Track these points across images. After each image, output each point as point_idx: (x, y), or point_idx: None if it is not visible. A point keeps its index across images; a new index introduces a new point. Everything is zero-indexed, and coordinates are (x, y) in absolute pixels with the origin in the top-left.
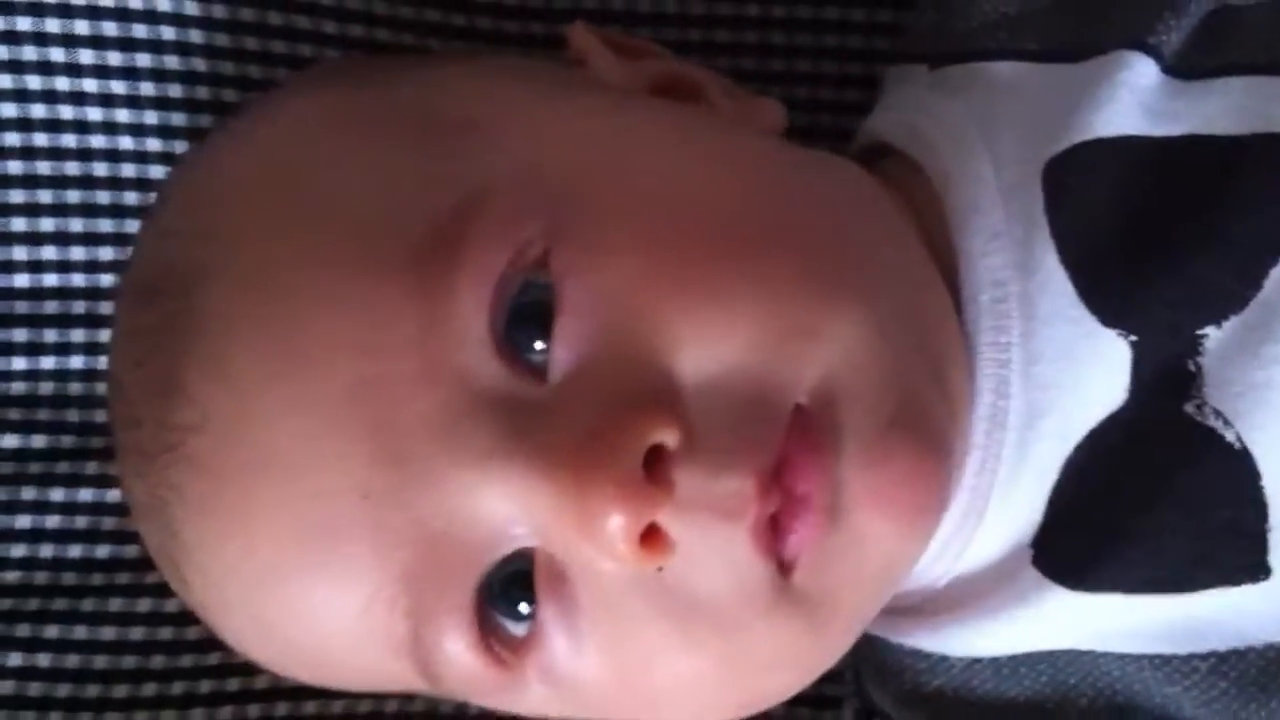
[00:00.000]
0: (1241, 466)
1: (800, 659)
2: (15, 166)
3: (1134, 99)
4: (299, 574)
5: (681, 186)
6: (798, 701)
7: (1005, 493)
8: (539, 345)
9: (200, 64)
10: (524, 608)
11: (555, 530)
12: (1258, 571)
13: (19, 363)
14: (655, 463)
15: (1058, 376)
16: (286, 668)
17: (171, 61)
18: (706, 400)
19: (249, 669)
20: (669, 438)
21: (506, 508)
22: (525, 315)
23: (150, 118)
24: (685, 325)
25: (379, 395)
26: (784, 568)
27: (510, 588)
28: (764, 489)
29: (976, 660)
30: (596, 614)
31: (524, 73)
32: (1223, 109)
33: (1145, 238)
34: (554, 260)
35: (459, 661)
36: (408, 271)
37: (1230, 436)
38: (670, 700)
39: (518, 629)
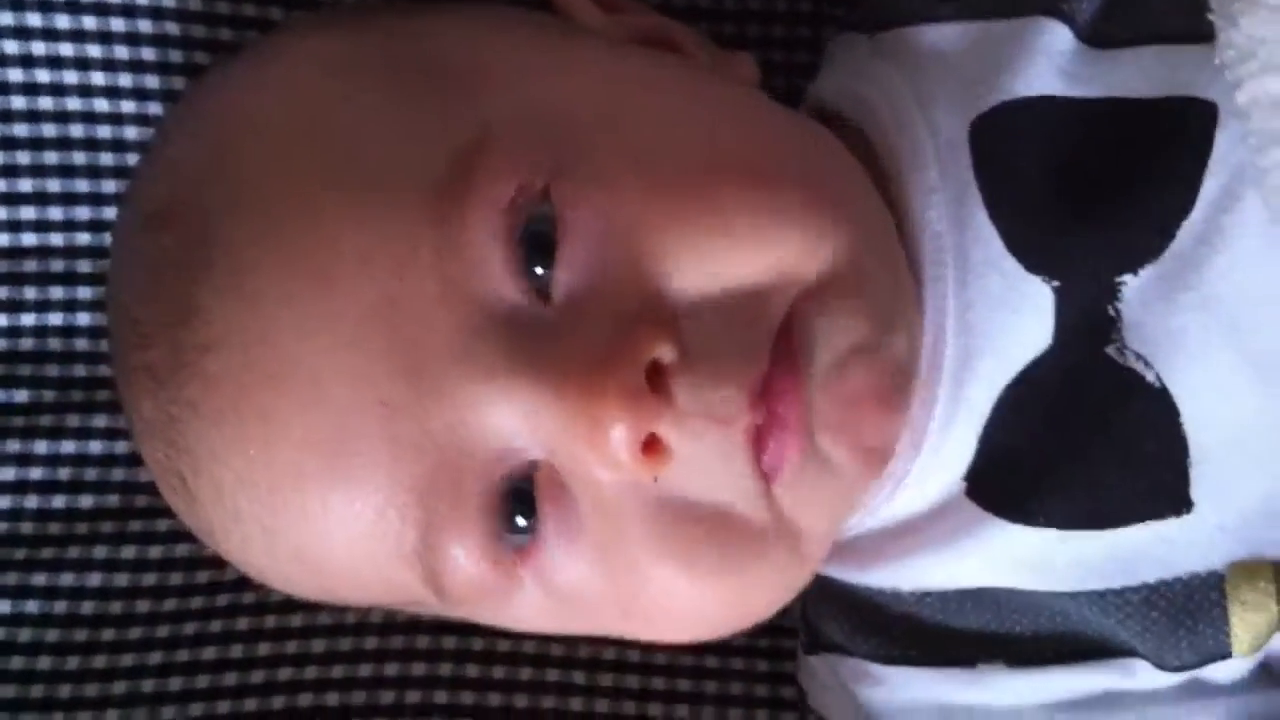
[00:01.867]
0: (1161, 405)
1: (780, 573)
2: None
3: (1050, 63)
4: (315, 482)
5: (675, 122)
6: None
7: (941, 430)
8: (541, 270)
9: (173, 28)
10: (522, 521)
11: (561, 441)
12: (1181, 505)
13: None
14: (654, 376)
15: (989, 321)
16: (290, 579)
17: (145, 25)
18: (699, 317)
19: (232, 613)
20: (666, 353)
21: (515, 421)
22: (530, 242)
23: (125, 80)
24: (680, 246)
25: (399, 314)
26: (765, 483)
27: (512, 502)
28: (754, 399)
29: (926, 594)
30: (594, 522)
31: (515, 20)
32: (1136, 74)
33: (1066, 190)
34: (554, 190)
35: (463, 568)
36: (424, 204)
37: (1150, 377)
38: (659, 609)
39: (518, 539)
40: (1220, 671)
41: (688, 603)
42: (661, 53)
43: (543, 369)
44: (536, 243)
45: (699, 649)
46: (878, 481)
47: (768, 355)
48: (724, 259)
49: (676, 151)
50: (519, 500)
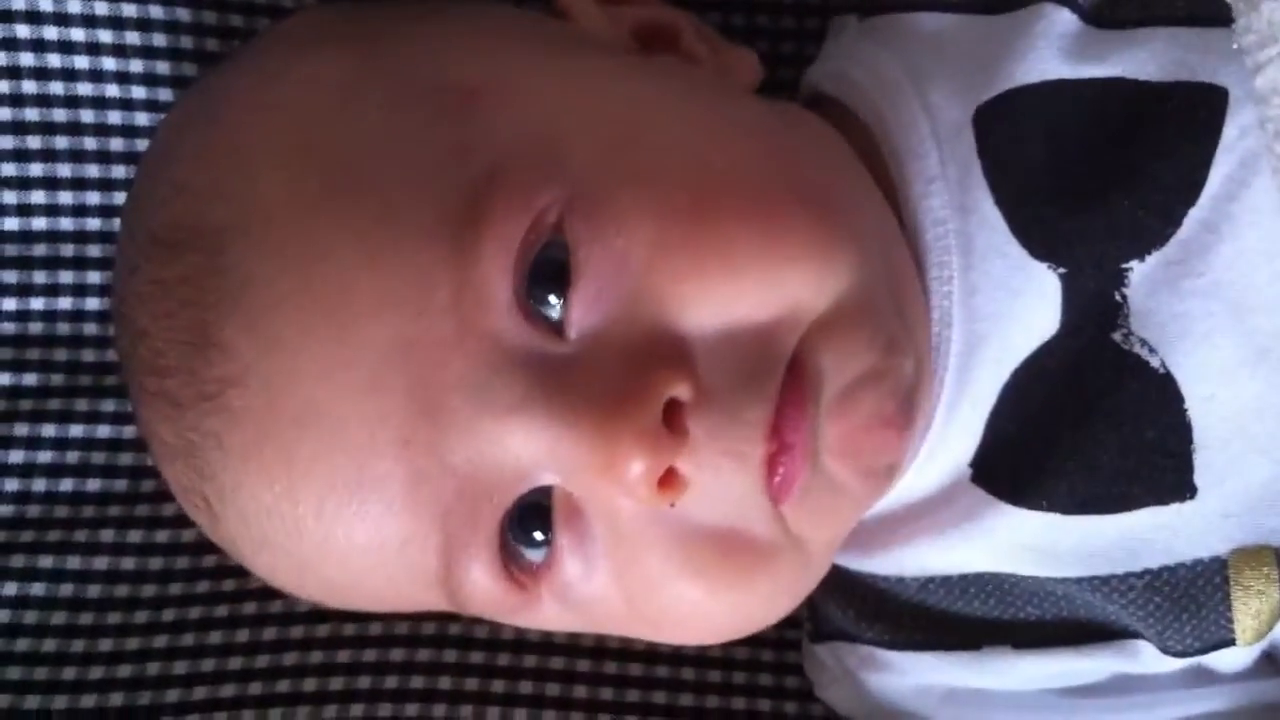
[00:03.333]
0: (1166, 391)
1: (788, 585)
2: (4, 113)
3: (1052, 46)
4: (340, 520)
5: (686, 150)
6: None
7: (946, 417)
8: (557, 304)
9: (184, 13)
10: (539, 535)
11: (579, 475)
12: (1184, 490)
13: (9, 304)
14: (670, 413)
15: (994, 307)
16: (314, 597)
17: (156, 11)
18: (712, 354)
19: (238, 598)
20: (683, 392)
21: (532, 454)
22: (544, 278)
23: (136, 66)
24: (693, 287)
25: (417, 355)
26: (775, 503)
27: (527, 518)
28: (769, 433)
29: (930, 579)
30: (609, 544)
31: (522, 32)
32: (1146, 56)
33: (1072, 176)
34: (568, 228)
35: (482, 587)
36: (439, 240)
37: (1155, 363)
38: (672, 620)
39: (535, 555)
40: (1224, 660)
41: (701, 614)
42: (663, 60)
43: (561, 407)
44: (551, 276)
45: None
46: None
47: (778, 389)
48: (735, 300)
49: (687, 181)
50: (535, 515)
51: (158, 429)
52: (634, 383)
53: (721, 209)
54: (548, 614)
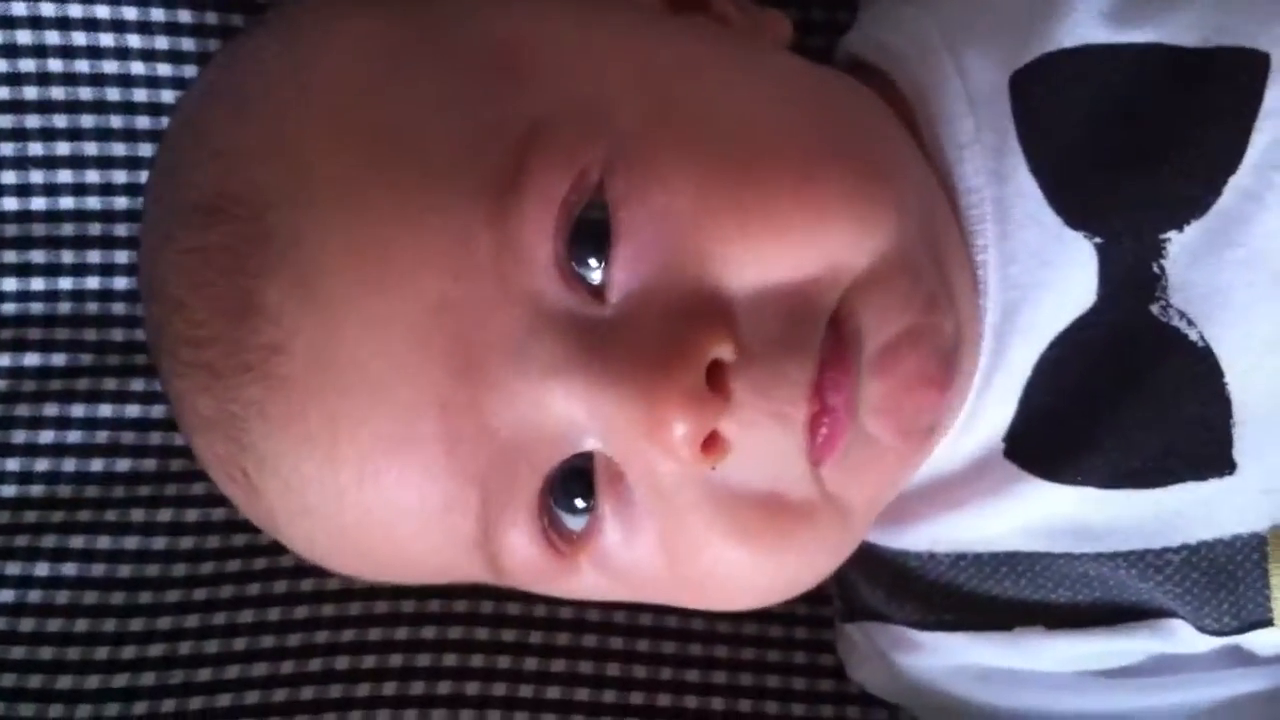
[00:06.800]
0: (1205, 364)
1: (829, 546)
2: (31, 92)
3: (1091, 10)
4: (381, 484)
5: (728, 110)
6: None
7: (981, 388)
8: (598, 267)
9: None
10: (580, 503)
11: (622, 437)
12: (1223, 466)
13: (37, 283)
14: (713, 374)
15: (1031, 276)
16: (352, 568)
17: None
18: (754, 314)
19: (270, 575)
20: (726, 353)
21: (572, 417)
22: (585, 239)
23: (161, 43)
24: (736, 247)
25: (456, 315)
26: (814, 464)
27: (568, 483)
28: (811, 393)
29: (961, 556)
30: (652, 508)
31: None
32: (1186, 21)
33: (1109, 143)
34: (609, 188)
35: (522, 554)
36: (480, 200)
37: (1194, 336)
38: (714, 584)
39: (575, 523)
40: (1261, 642)
41: (743, 576)
42: (695, 20)
43: (602, 368)
44: (591, 238)
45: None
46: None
47: (819, 348)
48: (776, 259)
49: (729, 141)
50: (576, 482)
51: (195, 402)
52: (677, 343)
53: (764, 168)
54: (586, 582)
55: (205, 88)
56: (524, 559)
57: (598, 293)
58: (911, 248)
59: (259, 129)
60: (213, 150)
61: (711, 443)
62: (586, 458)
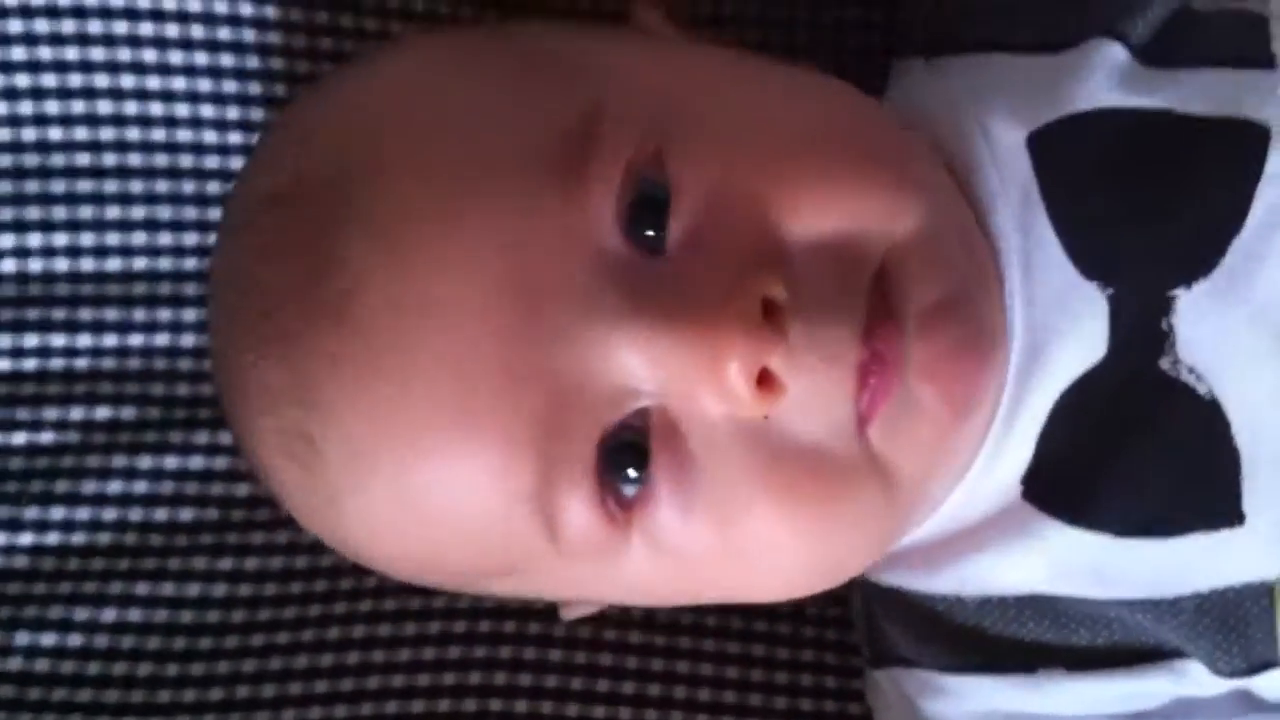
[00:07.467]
0: (1213, 417)
1: (871, 517)
2: (109, 159)
3: (1107, 76)
4: (447, 420)
5: (774, 98)
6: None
7: (1003, 429)
8: (653, 232)
9: (278, 63)
10: (632, 472)
11: (680, 377)
12: (1233, 517)
13: (109, 340)
14: (768, 313)
15: (1053, 319)
16: (407, 550)
17: (252, 61)
18: (808, 262)
19: (323, 623)
20: (780, 293)
21: (632, 361)
22: (645, 204)
23: (232, 113)
24: (791, 197)
25: (524, 258)
26: (860, 423)
27: (623, 453)
28: (862, 337)
29: (987, 600)
30: (704, 462)
31: (607, 28)
32: (1194, 92)
33: (1122, 201)
34: (668, 155)
35: (577, 514)
36: (546, 172)
37: (1202, 390)
38: (762, 558)
39: (629, 489)
40: (1269, 686)
41: (787, 545)
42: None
43: (661, 310)
44: (650, 203)
45: (767, 616)
46: (949, 467)
47: (867, 296)
48: (827, 208)
49: (781, 122)
50: (629, 453)
51: (263, 379)
52: (732, 284)
53: (810, 138)
54: (635, 561)
55: (277, 125)
56: (582, 521)
57: (656, 250)
58: (946, 235)
59: (332, 128)
60: (290, 151)
61: (766, 382)
62: (640, 428)
